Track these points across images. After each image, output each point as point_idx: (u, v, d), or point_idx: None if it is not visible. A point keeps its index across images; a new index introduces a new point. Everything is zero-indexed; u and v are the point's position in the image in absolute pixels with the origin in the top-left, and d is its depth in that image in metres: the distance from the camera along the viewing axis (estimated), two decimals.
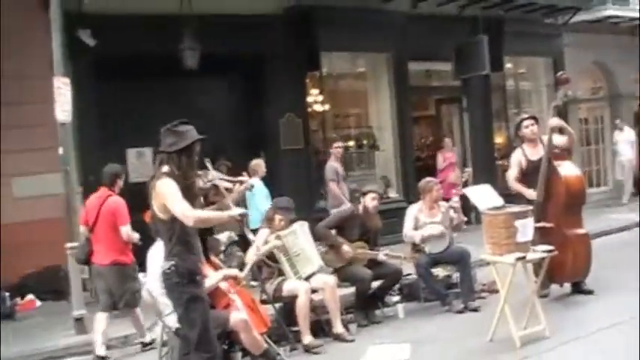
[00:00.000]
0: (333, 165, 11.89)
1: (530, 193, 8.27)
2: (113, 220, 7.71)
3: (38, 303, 10.16)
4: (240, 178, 6.36)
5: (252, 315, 6.36)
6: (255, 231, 7.90)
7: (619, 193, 17.67)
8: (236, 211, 5.37)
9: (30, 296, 10.19)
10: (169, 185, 4.91)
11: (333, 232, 8.24)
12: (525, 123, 8.59)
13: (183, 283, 4.98)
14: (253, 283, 8.23)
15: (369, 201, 8.37)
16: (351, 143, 14.64)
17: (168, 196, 4.88)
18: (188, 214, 4.83)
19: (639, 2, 17.11)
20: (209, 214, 5.24)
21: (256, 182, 10.31)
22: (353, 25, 12.78)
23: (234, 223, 8.31)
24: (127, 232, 7.66)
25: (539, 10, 15.84)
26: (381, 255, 8.31)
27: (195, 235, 5.15)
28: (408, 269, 8.92)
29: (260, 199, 10.30)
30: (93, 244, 7.88)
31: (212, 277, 6.09)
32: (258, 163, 11.01)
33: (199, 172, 5.29)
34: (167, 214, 4.95)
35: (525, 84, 17.97)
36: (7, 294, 9.91)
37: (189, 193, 5.00)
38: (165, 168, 5.01)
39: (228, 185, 6.04)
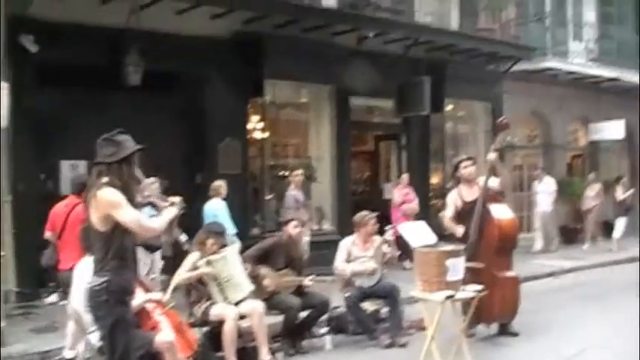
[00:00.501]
0: (292, 193, 12.11)
1: (459, 231, 8.38)
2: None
3: None
4: (171, 199, 6.26)
5: (178, 337, 6.24)
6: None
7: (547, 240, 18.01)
8: (171, 212, 5.17)
9: None
10: (115, 195, 4.73)
11: (258, 264, 8.16)
12: (464, 164, 8.71)
13: (111, 302, 4.78)
14: None
15: (292, 228, 8.39)
16: (288, 173, 14.62)
17: (119, 207, 4.70)
18: (145, 224, 4.76)
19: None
20: (158, 220, 5.05)
21: (219, 203, 11.01)
22: (299, 55, 12.87)
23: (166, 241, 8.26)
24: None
25: (482, 57, 16.22)
26: (307, 280, 8.29)
27: (133, 250, 4.98)
28: (337, 301, 8.93)
29: (224, 219, 10.48)
30: (59, 250, 8.00)
31: (137, 299, 5.96)
32: (221, 185, 11.30)
33: (137, 188, 5.17)
34: (106, 226, 4.76)
35: (464, 127, 18.24)
36: None
37: (131, 205, 4.83)
38: (105, 179, 4.82)
39: (164, 204, 5.95)
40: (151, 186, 9.94)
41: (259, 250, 8.33)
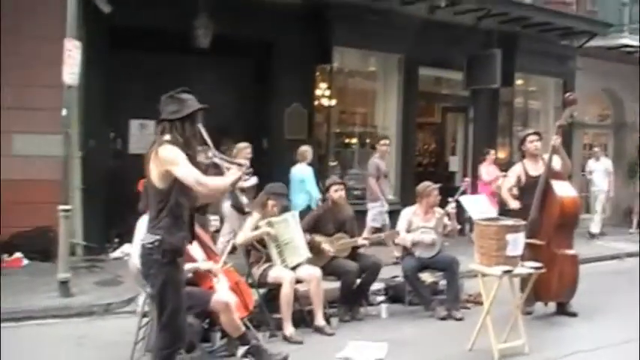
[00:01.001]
0: (375, 161, 12.08)
1: (515, 205, 8.32)
2: None
3: (25, 261, 10.16)
4: (238, 161, 6.27)
5: (235, 297, 6.37)
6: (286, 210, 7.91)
7: (617, 221, 17.64)
8: (233, 173, 5.09)
9: (18, 254, 10.18)
10: (177, 152, 4.72)
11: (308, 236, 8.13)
12: (530, 138, 8.60)
13: (162, 262, 4.78)
14: None
15: (333, 192, 8.37)
16: (354, 141, 14.65)
17: (177, 163, 4.68)
18: (202, 181, 4.68)
19: None
20: (218, 180, 4.90)
21: (305, 168, 11.35)
22: (368, 23, 12.81)
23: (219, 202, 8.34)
24: None
25: (556, 31, 15.87)
26: (360, 240, 8.32)
27: (187, 210, 4.94)
28: (396, 271, 8.95)
29: (310, 183, 11.07)
30: None
31: (188, 265, 6.01)
32: (307, 150, 11.62)
33: (199, 148, 5.17)
34: (165, 183, 4.76)
35: (534, 103, 17.95)
36: None
37: (192, 164, 4.80)
38: (168, 136, 4.82)
39: (228, 165, 5.96)
40: (244, 150, 10.37)
41: (309, 219, 8.34)
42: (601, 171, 16.36)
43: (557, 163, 8.39)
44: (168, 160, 4.71)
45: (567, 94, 8.94)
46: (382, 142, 12.34)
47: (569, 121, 9.31)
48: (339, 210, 8.45)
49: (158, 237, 4.77)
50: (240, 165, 5.26)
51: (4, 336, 7.07)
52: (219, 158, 5.20)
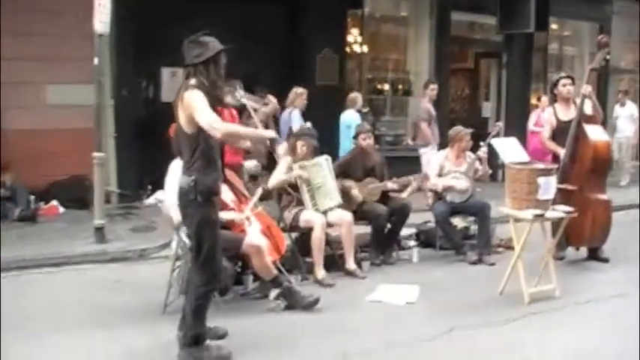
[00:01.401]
0: (426, 105, 12.07)
1: (561, 151, 8.23)
2: None
3: (61, 209, 10.33)
4: (268, 99, 6.29)
5: (266, 241, 6.44)
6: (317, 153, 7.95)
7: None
8: (268, 132, 5.28)
9: (54, 202, 10.35)
10: (198, 96, 4.80)
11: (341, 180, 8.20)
12: (563, 81, 8.48)
13: (199, 201, 4.91)
14: None
15: (362, 140, 8.38)
16: (386, 87, 14.59)
17: (196, 106, 4.78)
18: (216, 125, 4.75)
19: None
20: (238, 127, 5.06)
21: (354, 114, 11.41)
22: None
23: (260, 149, 8.41)
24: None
25: None
26: (390, 183, 8.34)
27: (218, 152, 5.07)
28: (427, 216, 8.97)
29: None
30: None
31: (223, 214, 6.07)
32: (356, 96, 11.79)
33: (228, 89, 5.22)
34: (193, 127, 4.86)
35: (569, 48, 17.73)
36: (32, 197, 10.10)
37: (217, 105, 4.92)
38: (193, 81, 4.90)
39: (256, 105, 6.00)
40: (301, 96, 10.68)
41: (338, 166, 8.34)
42: (626, 117, 15.40)
43: (588, 107, 8.29)
44: (189, 105, 4.82)
45: (600, 37, 8.81)
46: (431, 86, 12.20)
47: (602, 65, 9.13)
48: (368, 156, 8.46)
49: (193, 177, 4.89)
50: (266, 103, 5.34)
51: (44, 280, 7.32)
52: (246, 99, 5.29)
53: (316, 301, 6.32)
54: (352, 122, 10.94)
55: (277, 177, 7.49)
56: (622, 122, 15.40)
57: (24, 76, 10.11)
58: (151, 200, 10.63)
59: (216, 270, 5.12)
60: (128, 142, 10.85)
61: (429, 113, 11.97)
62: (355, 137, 8.55)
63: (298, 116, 10.70)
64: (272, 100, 5.96)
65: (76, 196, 10.33)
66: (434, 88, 12.14)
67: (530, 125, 13.85)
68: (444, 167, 8.65)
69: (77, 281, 7.46)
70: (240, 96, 5.31)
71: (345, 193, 8.01)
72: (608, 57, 8.97)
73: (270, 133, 5.32)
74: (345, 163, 8.46)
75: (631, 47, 18.66)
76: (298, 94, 10.83)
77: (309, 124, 8.84)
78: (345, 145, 10.68)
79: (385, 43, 14.73)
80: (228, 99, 5.20)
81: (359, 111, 11.58)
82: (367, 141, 8.40)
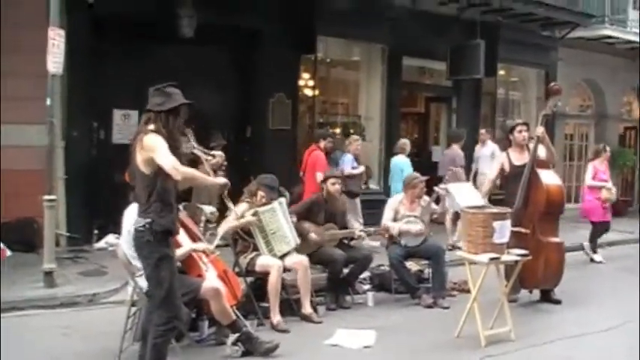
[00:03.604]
0: (458, 152, 12.80)
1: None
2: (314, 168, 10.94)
3: (8, 253, 10.05)
4: (214, 153, 6.51)
5: (223, 286, 6.36)
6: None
7: None
8: (220, 180, 5.39)
9: (1, 245, 10.08)
10: (158, 140, 4.92)
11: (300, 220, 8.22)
12: (519, 128, 8.63)
13: (154, 241, 4.96)
14: None
15: (330, 186, 8.42)
16: (338, 131, 14.65)
17: (158, 149, 4.87)
18: (177, 167, 4.86)
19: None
20: (196, 172, 5.21)
21: (404, 159, 12.27)
22: (352, 12, 12.75)
23: (214, 191, 8.37)
24: (319, 177, 9.70)
25: (537, 22, 15.94)
26: (357, 231, 8.43)
27: (174, 195, 5.13)
28: (381, 260, 8.97)
29: (408, 173, 11.40)
30: (305, 184, 11.17)
31: (182, 249, 6.08)
32: (406, 142, 12.66)
33: (183, 139, 5.34)
34: (150, 169, 4.94)
35: (515, 93, 18.07)
36: None
37: (175, 154, 4.99)
38: (152, 126, 5.03)
39: (205, 156, 6.11)
40: (355, 143, 11.84)
41: (301, 206, 8.43)
42: (487, 156, 13.44)
43: (542, 152, 8.44)
44: (150, 147, 4.92)
45: (552, 84, 9.01)
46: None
47: (554, 111, 9.35)
48: (333, 202, 8.50)
49: (148, 220, 4.96)
50: (213, 156, 5.47)
51: None
52: (198, 150, 5.45)
53: (276, 346, 6.25)
54: (404, 166, 11.96)
55: (229, 223, 7.42)
56: (483, 162, 13.50)
57: None
58: (101, 244, 10.52)
59: (177, 307, 5.15)
60: (78, 184, 10.65)
61: (453, 160, 12.48)
62: (323, 182, 8.58)
63: (350, 160, 11.70)
64: (218, 154, 6.22)
65: (24, 239, 10.10)
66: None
67: (588, 179, 12.27)
68: (399, 212, 8.69)
69: (26, 327, 7.23)
70: (193, 147, 5.48)
71: (302, 235, 7.99)
72: (559, 103, 9.18)
73: (222, 180, 5.43)
74: (309, 205, 8.48)
75: (576, 92, 19.13)
76: (353, 140, 11.98)
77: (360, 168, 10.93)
78: (397, 188, 10.93)
79: (337, 87, 14.84)
80: (182, 149, 5.31)
81: (407, 156, 12.42)
82: (336, 186, 8.45)
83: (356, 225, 8.45)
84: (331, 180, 8.48)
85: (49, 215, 8.49)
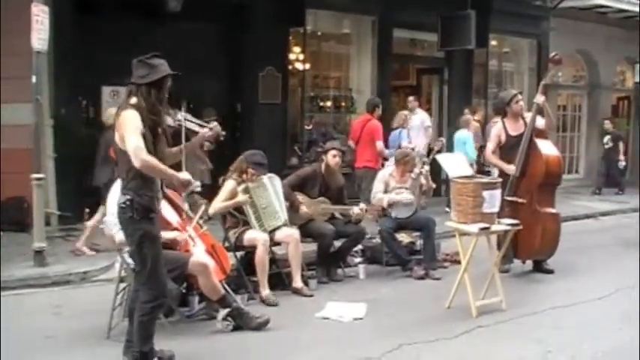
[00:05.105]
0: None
1: (510, 168, 8.30)
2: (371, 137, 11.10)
3: None
4: (210, 125, 6.21)
5: (211, 260, 6.33)
6: None
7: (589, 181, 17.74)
8: (183, 175, 5.15)
9: None
10: (132, 117, 4.79)
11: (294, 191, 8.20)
12: (517, 98, 8.56)
13: (137, 219, 4.88)
14: None
15: (331, 158, 8.33)
16: (329, 104, 14.61)
17: (127, 128, 4.75)
18: (139, 153, 4.68)
19: None
20: (158, 164, 4.83)
21: (467, 134, 12.65)
22: None
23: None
24: (380, 146, 10.83)
25: None
26: (356, 208, 8.28)
27: None
28: (372, 232, 8.95)
29: (470, 146, 12.51)
30: (358, 153, 11.30)
31: (166, 234, 5.99)
32: (469, 118, 13.03)
33: (169, 111, 5.17)
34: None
35: (508, 65, 17.99)
36: None
37: (155, 128, 4.89)
38: (134, 100, 4.89)
39: (196, 128, 5.92)
40: (407, 118, 12.21)
41: (296, 177, 8.35)
42: (417, 126, 12.88)
43: (540, 121, 8.39)
44: (121, 124, 4.82)
45: (553, 54, 8.90)
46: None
47: (555, 81, 9.35)
48: (331, 175, 8.42)
49: (129, 197, 4.86)
50: (210, 128, 5.28)
51: None
52: (189, 121, 5.23)
53: (266, 322, 6.22)
54: (467, 140, 12.48)
55: (219, 204, 7.37)
56: (413, 132, 12.62)
57: None
58: (91, 222, 10.45)
59: (162, 285, 5.08)
60: (68, 162, 10.59)
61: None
62: (325, 153, 8.47)
63: (406, 135, 12.01)
64: (214, 125, 5.90)
65: (15, 219, 10.07)
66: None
67: None
68: (389, 184, 8.66)
69: (16, 306, 7.19)
70: (179, 119, 5.25)
71: (293, 207, 7.97)
72: (559, 74, 9.17)
73: (185, 176, 5.16)
74: (305, 177, 8.41)
75: (568, 63, 19.03)
76: (406, 116, 12.32)
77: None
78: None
79: (327, 61, 14.76)
80: (169, 122, 5.12)
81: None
82: (336, 159, 8.34)
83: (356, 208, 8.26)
84: (333, 152, 8.36)
85: (37, 194, 8.46)
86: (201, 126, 6.16)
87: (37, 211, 8.49)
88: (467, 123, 12.76)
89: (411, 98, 13.63)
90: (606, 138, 17.13)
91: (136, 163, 4.70)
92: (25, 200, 9.53)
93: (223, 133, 6.33)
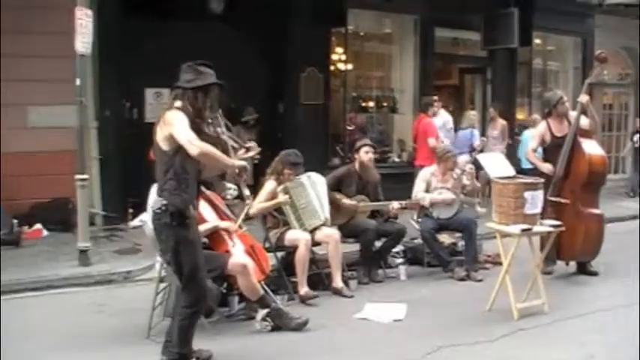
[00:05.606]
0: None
1: (548, 167, 8.20)
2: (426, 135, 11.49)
3: (45, 233, 10.19)
4: (249, 145, 6.19)
5: (250, 261, 6.35)
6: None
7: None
8: (240, 162, 5.24)
9: (38, 225, 10.22)
10: (180, 116, 4.82)
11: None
12: (563, 99, 8.47)
13: (172, 224, 4.88)
14: None
15: (364, 154, 8.33)
16: (371, 104, 14.59)
17: (176, 124, 4.76)
18: (194, 142, 4.73)
19: None
20: (214, 150, 4.92)
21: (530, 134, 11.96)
22: None
23: (232, 174, 8.32)
24: (432, 142, 11.05)
25: None
26: (395, 204, 8.24)
27: (193, 175, 5.00)
28: (414, 233, 8.91)
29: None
30: (417, 151, 11.68)
31: (206, 224, 6.09)
32: (537, 118, 12.52)
33: (210, 120, 5.22)
34: (170, 146, 4.83)
35: (553, 63, 17.77)
36: (15, 221, 9.97)
37: (198, 133, 4.89)
38: (179, 103, 4.93)
39: (235, 145, 5.95)
40: (469, 113, 12.76)
41: (332, 178, 8.32)
42: (439, 127, 12.40)
43: (584, 121, 8.28)
44: (169, 122, 4.82)
45: (598, 52, 8.76)
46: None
47: (601, 80, 9.20)
48: (365, 172, 8.42)
49: (164, 201, 4.87)
50: (247, 149, 5.34)
51: (27, 305, 7.24)
52: (227, 136, 5.28)
53: (305, 322, 6.24)
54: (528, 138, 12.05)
55: (260, 204, 7.40)
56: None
57: (5, 98, 10.01)
58: (135, 222, 10.59)
59: (201, 290, 5.09)
60: (112, 163, 10.75)
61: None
62: (356, 151, 8.49)
63: (478, 134, 12.56)
64: (254, 147, 5.89)
65: (60, 219, 10.23)
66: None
67: None
68: (431, 183, 8.62)
69: (60, 305, 7.33)
70: (221, 132, 5.31)
71: (335, 205, 7.97)
72: (605, 72, 9.03)
73: (242, 163, 5.24)
74: (340, 176, 8.41)
75: (614, 61, 18.71)
76: (475, 115, 13.19)
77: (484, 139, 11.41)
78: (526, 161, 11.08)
79: (369, 61, 14.74)
80: (209, 130, 5.18)
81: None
82: (369, 155, 8.37)
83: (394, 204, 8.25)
84: (365, 148, 8.37)
85: (81, 195, 8.58)
86: (237, 143, 6.13)
87: (81, 211, 8.63)
88: (534, 122, 12.12)
89: (434, 101, 12.84)
90: (637, 137, 16.83)
91: (193, 151, 4.74)
92: (71, 201, 9.65)
93: (258, 157, 6.38)
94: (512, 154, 12.55)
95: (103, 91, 10.67)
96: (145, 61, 11.01)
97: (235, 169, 5.19)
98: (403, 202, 8.41)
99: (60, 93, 9.74)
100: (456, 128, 13.09)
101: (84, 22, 8.36)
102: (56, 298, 7.59)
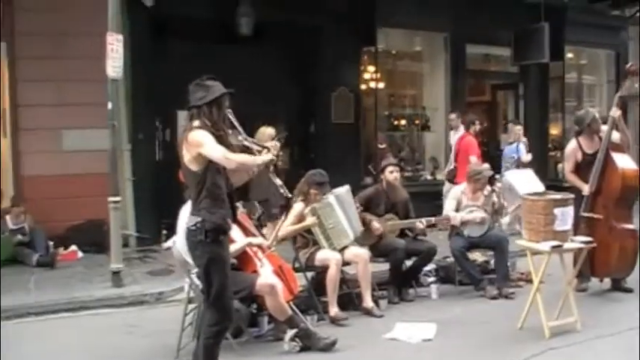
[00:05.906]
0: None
1: (587, 189, 8.09)
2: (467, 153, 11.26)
3: (80, 254, 10.33)
4: (269, 144, 6.23)
5: (278, 281, 6.37)
6: None
7: None
8: (266, 156, 5.29)
9: (73, 247, 10.37)
10: (204, 134, 4.90)
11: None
12: (596, 117, 8.37)
13: (206, 242, 4.95)
14: None
15: (388, 174, 8.34)
16: (403, 122, 14.58)
17: (205, 142, 4.85)
18: (229, 156, 4.86)
19: None
20: (247, 156, 5.13)
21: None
22: (412, 2, 12.62)
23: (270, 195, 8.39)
24: (474, 160, 10.75)
25: (605, 1, 15.44)
26: (418, 222, 8.24)
27: (225, 190, 5.09)
28: (446, 251, 8.87)
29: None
30: (457, 169, 11.31)
31: (237, 244, 6.13)
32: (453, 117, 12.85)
33: (230, 131, 5.28)
34: (199, 165, 4.93)
35: (587, 77, 17.61)
36: (51, 243, 10.14)
37: (224, 145, 4.97)
38: (197, 122, 5.01)
39: (258, 148, 6.00)
40: (515, 127, 12.58)
41: (360, 199, 8.30)
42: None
43: (615, 135, 8.20)
44: (196, 143, 4.91)
45: (629, 64, 8.69)
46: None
47: (633, 93, 9.07)
48: (393, 191, 8.42)
49: (200, 218, 4.95)
50: (268, 148, 5.39)
51: (60, 325, 7.36)
52: (249, 142, 5.35)
53: (334, 342, 6.23)
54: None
55: (288, 227, 7.42)
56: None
57: (41, 122, 10.21)
58: (169, 243, 10.62)
59: (227, 309, 5.13)
60: (145, 185, 10.87)
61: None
62: (381, 171, 8.52)
63: (524, 148, 12.41)
64: (275, 146, 5.91)
65: (94, 240, 10.34)
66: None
67: None
68: (461, 202, 8.58)
69: (93, 326, 7.43)
70: (244, 138, 5.36)
71: (365, 225, 7.97)
72: (636, 85, 8.91)
73: (268, 157, 5.28)
74: (369, 197, 8.41)
75: None
76: (520, 129, 12.89)
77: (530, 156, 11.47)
78: None
79: (401, 79, 14.75)
80: (232, 141, 5.24)
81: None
82: (394, 174, 8.38)
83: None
84: (389, 168, 8.39)
85: (114, 216, 8.67)
86: (261, 147, 6.18)
87: (114, 233, 8.72)
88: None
89: (452, 116, 13.01)
90: None
91: (231, 165, 4.93)
92: (105, 222, 9.72)
93: (280, 153, 6.39)
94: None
95: (136, 114, 10.81)
96: (177, 83, 11.04)
97: (269, 162, 5.25)
98: (432, 219, 8.39)
99: (93, 117, 9.88)
100: (497, 144, 13.11)
101: (115, 46, 8.49)
102: (89, 319, 7.70)
